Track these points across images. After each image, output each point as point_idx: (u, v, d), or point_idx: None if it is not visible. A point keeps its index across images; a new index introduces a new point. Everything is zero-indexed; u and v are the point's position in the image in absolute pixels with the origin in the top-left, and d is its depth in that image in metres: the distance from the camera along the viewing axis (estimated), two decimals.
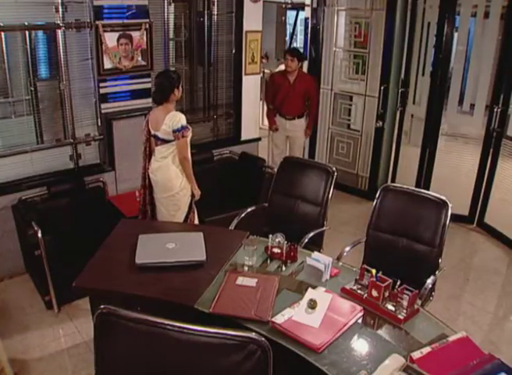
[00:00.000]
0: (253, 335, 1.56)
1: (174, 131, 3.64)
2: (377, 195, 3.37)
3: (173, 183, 3.82)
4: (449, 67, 5.27)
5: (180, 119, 3.66)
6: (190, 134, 3.75)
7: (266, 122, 6.01)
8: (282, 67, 10.67)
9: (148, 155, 3.92)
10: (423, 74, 5.47)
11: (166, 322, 1.57)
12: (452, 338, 2.22)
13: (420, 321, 2.42)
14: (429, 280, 2.95)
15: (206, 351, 1.57)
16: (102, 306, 1.64)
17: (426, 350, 2.13)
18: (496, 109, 4.99)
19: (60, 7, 4.02)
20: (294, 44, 10.93)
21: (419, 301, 2.69)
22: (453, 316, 3.96)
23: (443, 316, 3.63)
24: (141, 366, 1.65)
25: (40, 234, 3.56)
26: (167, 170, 3.80)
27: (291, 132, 5.84)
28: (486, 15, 4.90)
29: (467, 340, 2.22)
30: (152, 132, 3.80)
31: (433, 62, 5.30)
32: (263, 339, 1.56)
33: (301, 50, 6.20)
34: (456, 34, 5.16)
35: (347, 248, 3.33)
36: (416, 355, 2.09)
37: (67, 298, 3.86)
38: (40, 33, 4.13)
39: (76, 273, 2.71)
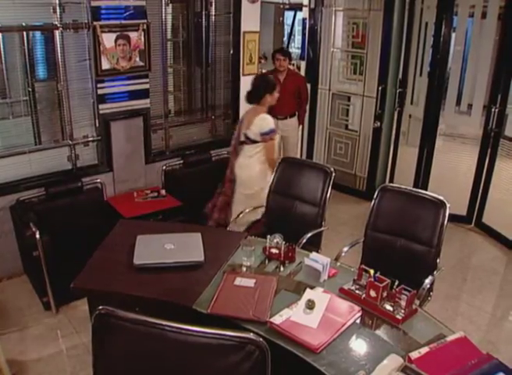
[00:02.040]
0: (251, 336, 1.56)
1: (262, 134, 3.91)
2: (375, 195, 3.37)
3: (253, 182, 4.05)
4: (446, 67, 5.28)
5: (269, 123, 3.93)
6: (277, 137, 4.01)
7: None
8: None
9: (236, 151, 4.15)
10: (421, 74, 5.48)
11: (164, 323, 1.57)
12: (450, 338, 2.22)
13: (418, 321, 2.42)
14: (427, 280, 2.95)
15: (204, 351, 1.57)
16: (100, 307, 1.64)
17: (424, 350, 2.13)
18: (493, 109, 5.00)
19: (58, 8, 4.01)
20: (292, 45, 10.93)
21: (417, 302, 2.69)
22: (452, 316, 3.97)
23: (441, 316, 3.62)
24: (139, 366, 1.65)
25: (38, 235, 3.56)
26: (251, 169, 4.05)
27: (284, 132, 5.83)
28: (484, 15, 4.91)
29: (465, 340, 2.22)
30: (243, 130, 4.03)
31: (431, 62, 5.31)
32: (261, 340, 1.56)
33: (299, 50, 6.23)
34: (453, 35, 5.17)
35: (345, 249, 3.33)
36: (414, 355, 2.09)
37: (65, 299, 3.85)
38: (37, 33, 4.13)
39: (75, 273, 2.70)
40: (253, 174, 4.07)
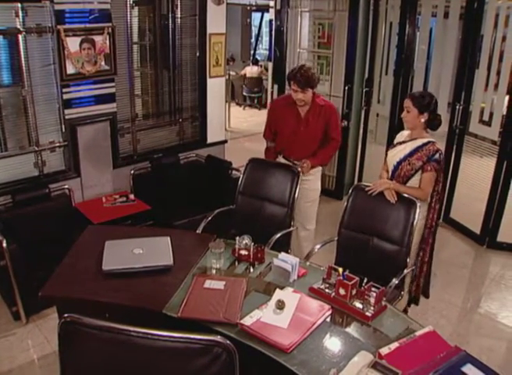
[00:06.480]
0: (218, 338, 1.56)
1: None
2: (348, 194, 3.41)
3: None
4: (412, 66, 5.36)
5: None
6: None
7: (233, 124, 5.91)
8: (248, 69, 10.74)
9: None
10: (386, 73, 5.55)
11: (131, 328, 1.55)
12: (419, 333, 2.26)
13: (387, 317, 2.45)
14: (394, 279, 2.97)
15: (172, 356, 1.56)
16: (66, 315, 1.62)
17: (394, 345, 2.16)
18: (457, 107, 5.08)
19: (20, 11, 3.93)
20: (260, 46, 10.97)
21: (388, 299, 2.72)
22: (423, 310, 4.02)
23: (412, 311, 3.70)
24: (107, 373, 1.64)
25: (5, 244, 3.49)
26: None
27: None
28: (446, 15, 5.00)
29: (433, 334, 2.26)
30: None
31: (396, 61, 5.39)
32: (228, 342, 1.56)
33: (267, 52, 6.17)
34: (418, 34, 5.25)
35: (317, 248, 3.35)
36: (384, 350, 2.12)
37: (35, 307, 3.79)
38: (0, 38, 4.05)
39: (44, 282, 2.67)
40: None
